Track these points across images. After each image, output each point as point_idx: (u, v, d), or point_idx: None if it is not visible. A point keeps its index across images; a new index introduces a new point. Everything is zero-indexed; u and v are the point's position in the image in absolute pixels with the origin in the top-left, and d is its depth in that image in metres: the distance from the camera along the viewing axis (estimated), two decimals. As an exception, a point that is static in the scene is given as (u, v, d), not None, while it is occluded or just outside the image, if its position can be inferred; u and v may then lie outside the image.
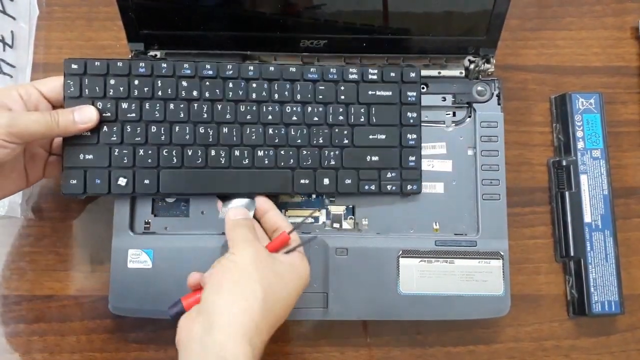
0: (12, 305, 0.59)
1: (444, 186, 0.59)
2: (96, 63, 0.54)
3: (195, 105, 0.55)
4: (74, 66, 0.54)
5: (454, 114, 0.61)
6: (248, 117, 0.56)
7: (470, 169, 0.59)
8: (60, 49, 0.64)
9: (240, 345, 0.43)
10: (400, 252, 0.57)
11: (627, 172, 0.64)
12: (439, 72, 0.61)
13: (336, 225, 0.58)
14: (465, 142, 0.60)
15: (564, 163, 0.62)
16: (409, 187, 0.57)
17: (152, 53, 0.59)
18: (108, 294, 0.55)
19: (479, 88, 0.60)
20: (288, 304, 0.48)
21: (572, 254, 0.60)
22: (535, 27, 0.67)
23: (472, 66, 0.60)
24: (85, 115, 0.53)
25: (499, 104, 0.60)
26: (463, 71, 0.61)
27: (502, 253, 0.57)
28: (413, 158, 0.57)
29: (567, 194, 0.61)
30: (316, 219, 0.59)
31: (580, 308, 0.60)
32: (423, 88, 0.60)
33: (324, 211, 0.59)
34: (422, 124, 0.59)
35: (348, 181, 0.56)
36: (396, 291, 0.56)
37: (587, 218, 0.60)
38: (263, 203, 0.55)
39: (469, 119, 0.61)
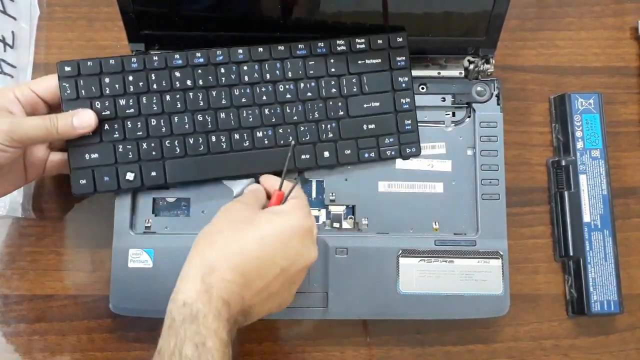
0: (12, 305, 0.59)
1: (444, 186, 0.59)
2: (89, 63, 0.55)
3: (191, 94, 0.56)
4: (67, 68, 0.54)
5: (454, 114, 0.61)
6: (243, 100, 0.56)
7: (470, 169, 0.60)
8: (61, 49, 0.64)
9: (191, 282, 0.44)
10: (400, 251, 0.57)
11: (626, 172, 0.64)
12: (439, 73, 0.61)
13: (336, 225, 0.59)
14: (464, 142, 0.60)
15: (563, 163, 0.62)
16: (407, 150, 0.58)
17: (152, 53, 0.59)
18: (109, 293, 0.56)
19: (479, 88, 0.61)
20: (271, 245, 0.46)
21: (571, 253, 0.60)
22: (535, 28, 0.67)
23: (471, 66, 0.60)
24: (84, 120, 0.53)
25: (498, 104, 0.60)
26: (462, 71, 0.61)
27: (501, 253, 0.57)
28: (409, 121, 0.58)
29: (566, 194, 0.61)
30: (316, 218, 0.59)
31: (580, 307, 0.60)
32: (422, 88, 0.61)
33: (323, 211, 0.59)
34: (422, 125, 0.60)
35: (347, 152, 0.57)
36: (396, 291, 0.56)
37: (586, 218, 0.61)
38: (268, 181, 0.55)
39: (468, 119, 0.61)
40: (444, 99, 0.61)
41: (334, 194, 0.59)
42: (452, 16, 0.57)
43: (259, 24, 0.57)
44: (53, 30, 0.65)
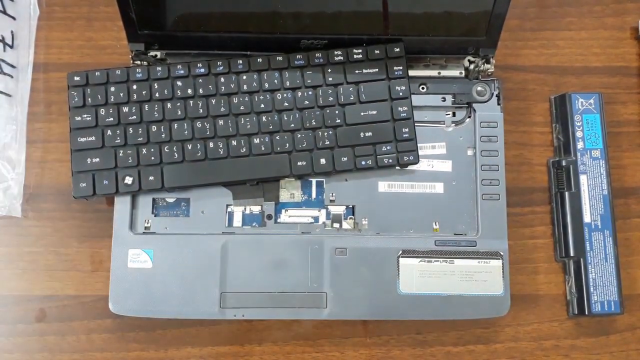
0: (11, 305, 0.59)
1: (444, 186, 0.59)
2: (97, 73, 0.58)
3: (191, 102, 0.58)
4: (77, 78, 0.58)
5: (454, 114, 0.61)
6: (241, 108, 0.58)
7: (470, 169, 0.60)
8: (60, 49, 0.64)
9: None
10: (400, 252, 0.57)
11: (627, 172, 0.64)
12: (439, 73, 0.61)
13: (336, 225, 0.59)
14: (465, 142, 0.60)
15: (564, 163, 0.62)
16: (405, 158, 0.58)
17: (152, 53, 0.59)
18: (108, 293, 0.56)
19: (479, 88, 0.60)
20: None
21: (571, 254, 0.60)
22: (535, 28, 0.67)
23: (471, 66, 0.60)
24: None
25: (498, 104, 0.60)
26: (463, 71, 0.61)
27: (501, 253, 0.57)
28: (406, 130, 0.58)
29: (566, 194, 0.61)
30: (316, 218, 0.59)
31: (580, 308, 0.60)
32: (423, 88, 0.61)
33: (324, 211, 0.59)
34: (422, 125, 0.60)
35: (344, 159, 0.57)
36: (396, 291, 0.56)
37: (587, 218, 0.60)
38: None
39: (468, 119, 0.61)
40: (444, 99, 0.61)
41: (334, 194, 0.59)
42: (453, 16, 0.57)
43: (258, 24, 0.57)
44: (53, 30, 0.65)
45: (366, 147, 0.58)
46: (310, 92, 0.58)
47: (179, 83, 0.58)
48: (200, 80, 0.58)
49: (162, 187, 0.57)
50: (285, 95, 0.58)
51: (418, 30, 0.58)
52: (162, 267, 0.56)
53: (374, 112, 0.58)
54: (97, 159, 0.57)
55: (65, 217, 0.61)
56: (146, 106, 0.57)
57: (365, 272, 0.56)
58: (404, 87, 0.58)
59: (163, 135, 0.57)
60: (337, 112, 0.58)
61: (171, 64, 0.58)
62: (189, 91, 0.58)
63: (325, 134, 0.58)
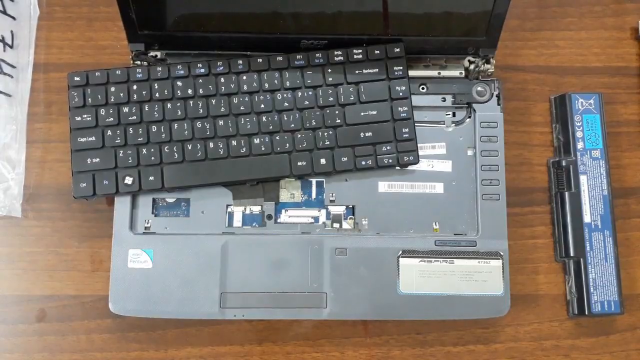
0: (11, 305, 0.59)
1: (444, 186, 0.59)
2: (97, 73, 0.58)
3: (191, 102, 0.58)
4: (77, 78, 0.58)
5: (454, 115, 0.61)
6: (241, 108, 0.58)
7: (470, 169, 0.60)
8: (60, 49, 0.64)
9: None
10: (400, 252, 0.57)
11: (627, 172, 0.64)
12: (439, 73, 0.61)
13: (336, 225, 0.59)
14: (465, 143, 0.60)
15: (564, 163, 0.62)
16: (405, 158, 0.58)
17: (152, 53, 0.59)
18: (108, 293, 0.56)
19: (479, 88, 0.61)
20: None
21: (571, 254, 0.60)
22: (535, 28, 0.67)
23: (471, 67, 0.60)
24: None
25: (498, 104, 0.60)
26: (463, 72, 0.61)
27: (501, 253, 0.57)
28: (406, 130, 0.58)
29: (566, 194, 0.61)
30: (316, 218, 0.59)
31: (580, 308, 0.60)
32: (423, 89, 0.61)
33: (324, 211, 0.59)
34: (422, 125, 0.60)
35: (344, 159, 0.58)
36: (396, 291, 0.56)
37: (587, 218, 0.60)
38: None
39: (468, 119, 0.61)
40: (444, 99, 0.61)
41: (334, 194, 0.59)
42: (453, 16, 0.57)
43: (258, 24, 0.57)
44: (53, 30, 0.65)
45: (366, 147, 0.58)
46: (310, 92, 0.58)
47: (179, 83, 0.58)
48: (200, 81, 0.58)
49: (162, 187, 0.57)
50: (285, 95, 0.58)
51: (418, 31, 0.58)
52: (162, 267, 0.56)
53: (374, 112, 0.58)
54: (97, 159, 0.57)
55: (65, 217, 0.61)
56: (146, 106, 0.57)
57: (365, 272, 0.56)
58: (404, 87, 0.58)
59: (163, 136, 0.57)
60: (337, 112, 0.58)
61: (171, 64, 0.58)
62: (189, 91, 0.58)
63: (325, 134, 0.58)
